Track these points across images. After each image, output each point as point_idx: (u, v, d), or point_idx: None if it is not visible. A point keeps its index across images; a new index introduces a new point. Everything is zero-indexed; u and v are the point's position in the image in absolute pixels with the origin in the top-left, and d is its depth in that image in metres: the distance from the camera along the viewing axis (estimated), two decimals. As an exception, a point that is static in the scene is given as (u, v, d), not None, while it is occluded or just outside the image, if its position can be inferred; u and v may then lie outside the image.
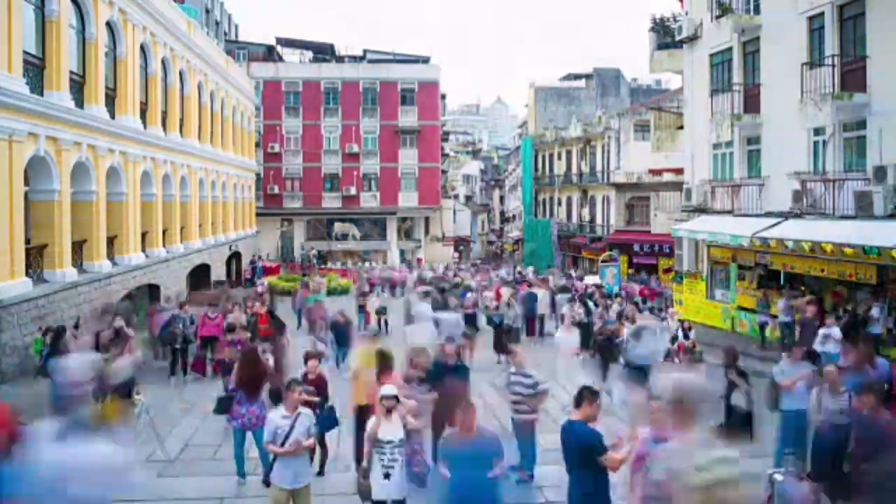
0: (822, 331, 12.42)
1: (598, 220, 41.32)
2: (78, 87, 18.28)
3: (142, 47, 22.55)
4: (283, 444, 6.68)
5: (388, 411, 6.63)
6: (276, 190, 47.90)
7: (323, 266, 44.53)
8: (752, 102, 19.95)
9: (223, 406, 9.25)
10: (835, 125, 16.38)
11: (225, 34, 55.07)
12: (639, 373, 9.74)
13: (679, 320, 16.11)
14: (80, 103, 18.17)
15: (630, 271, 34.55)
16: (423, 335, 12.51)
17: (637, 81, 60.12)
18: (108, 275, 19.28)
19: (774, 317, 17.79)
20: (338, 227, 50.80)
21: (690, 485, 3.70)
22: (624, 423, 7.07)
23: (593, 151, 42.27)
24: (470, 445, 5.96)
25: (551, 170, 48.83)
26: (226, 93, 34.28)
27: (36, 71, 16.24)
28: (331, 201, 48.90)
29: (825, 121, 16.50)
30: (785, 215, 17.39)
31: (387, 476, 6.46)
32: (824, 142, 16.90)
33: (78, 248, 18.31)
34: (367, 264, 44.67)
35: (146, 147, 22.62)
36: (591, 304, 19.58)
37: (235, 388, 9.01)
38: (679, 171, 26.83)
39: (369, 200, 49.28)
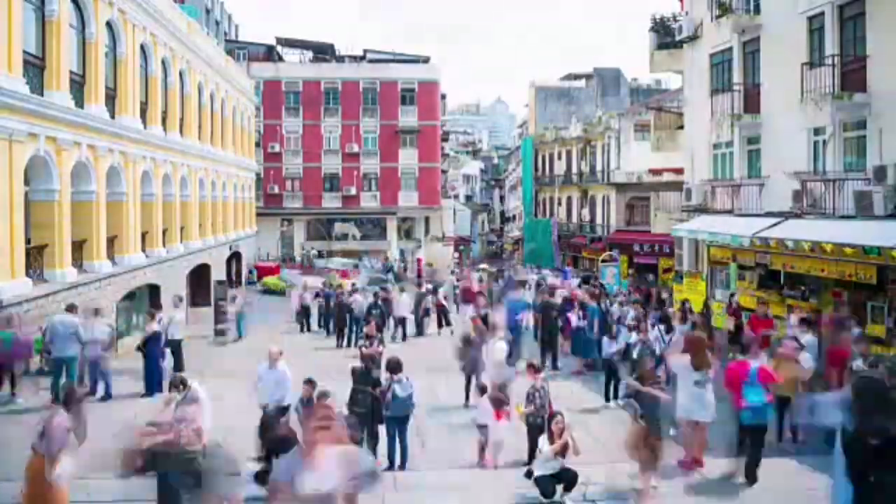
0: None
1: (598, 220, 41.33)
2: (78, 87, 18.25)
3: (142, 47, 22.53)
4: None
5: None
6: (276, 190, 47.91)
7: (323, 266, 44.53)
8: (752, 102, 19.95)
9: None
10: (835, 125, 16.39)
11: (225, 34, 55.07)
12: None
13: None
14: (80, 103, 18.14)
15: (630, 271, 34.57)
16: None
17: (637, 81, 60.09)
18: (108, 275, 19.27)
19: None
20: (338, 227, 50.79)
21: None
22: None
23: (593, 151, 42.28)
24: None
25: (551, 170, 48.84)
26: (226, 93, 34.27)
27: (36, 71, 16.22)
28: (331, 201, 48.90)
29: (825, 121, 16.51)
30: (785, 215, 17.38)
31: None
32: (824, 142, 16.90)
33: (78, 248, 18.28)
34: (364, 262, 44.43)
35: (146, 147, 22.60)
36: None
37: None
38: (679, 171, 26.84)
39: (369, 200, 49.29)
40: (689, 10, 23.35)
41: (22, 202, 15.33)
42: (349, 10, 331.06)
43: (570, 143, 45.38)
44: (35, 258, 16.23)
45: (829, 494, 5.36)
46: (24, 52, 15.34)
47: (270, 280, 36.15)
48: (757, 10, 19.79)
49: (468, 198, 76.30)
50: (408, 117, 49.30)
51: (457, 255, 57.17)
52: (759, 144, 19.89)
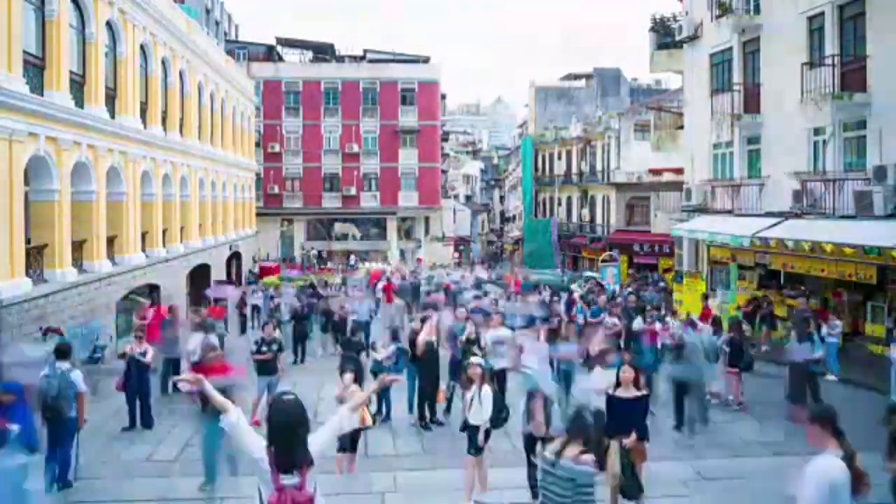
0: None
1: (598, 220, 41.31)
2: (78, 87, 18.26)
3: (142, 47, 22.54)
4: None
5: None
6: (276, 190, 47.90)
7: (323, 266, 44.56)
8: (752, 102, 19.96)
9: None
10: (835, 125, 16.39)
11: (225, 34, 55.02)
12: None
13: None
14: (80, 103, 18.15)
15: (630, 271, 34.57)
16: None
17: (637, 81, 60.06)
18: (108, 275, 19.27)
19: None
20: (338, 227, 50.80)
21: None
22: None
23: (593, 151, 42.27)
24: None
25: (551, 170, 48.83)
26: (226, 93, 34.27)
27: (36, 71, 16.23)
28: (331, 201, 48.90)
29: (825, 121, 16.52)
30: (785, 215, 17.39)
31: None
32: (824, 142, 16.91)
33: (78, 248, 18.29)
34: (365, 264, 44.34)
35: (146, 147, 22.61)
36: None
37: None
38: (679, 171, 26.84)
39: (369, 200, 49.29)
40: (689, 10, 23.35)
41: (22, 202, 15.34)
42: (349, 9, 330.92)
43: (570, 143, 45.37)
44: (35, 258, 16.24)
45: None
46: (24, 52, 15.35)
47: (270, 280, 36.09)
48: (757, 10, 19.80)
49: (468, 198, 76.23)
50: (408, 117, 49.29)
51: (457, 254, 57.16)
52: (759, 144, 19.89)
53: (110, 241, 20.24)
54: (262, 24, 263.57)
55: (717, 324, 14.24)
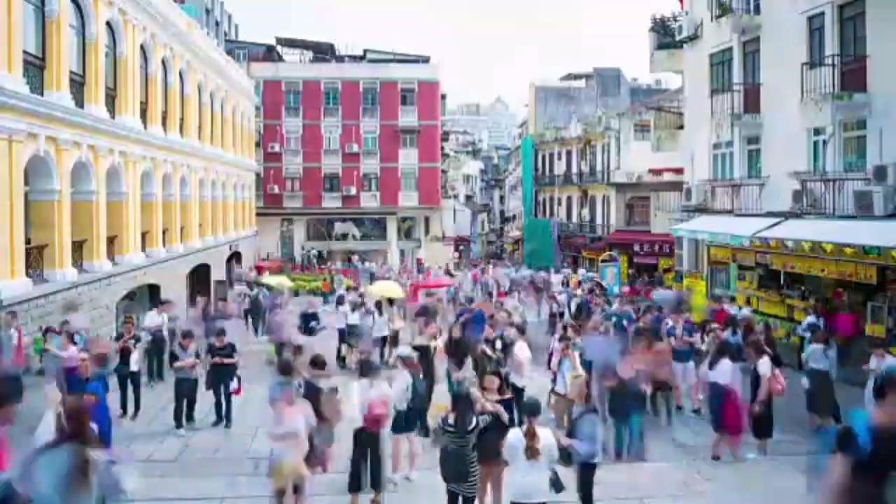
0: None
1: (598, 220, 41.29)
2: (78, 87, 18.26)
3: (142, 47, 22.53)
4: None
5: None
6: (276, 190, 47.88)
7: (323, 266, 44.55)
8: (752, 102, 19.96)
9: None
10: (835, 125, 16.39)
11: (225, 34, 55.03)
12: None
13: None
14: (80, 103, 18.15)
15: (630, 271, 34.54)
16: None
17: (637, 81, 60.05)
18: (108, 275, 19.28)
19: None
20: (338, 227, 50.79)
21: None
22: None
23: (593, 151, 42.25)
24: None
25: (551, 170, 48.82)
26: (226, 93, 34.26)
27: (36, 71, 16.23)
28: (331, 201, 48.88)
29: (825, 121, 16.52)
30: (785, 215, 17.39)
31: None
32: (824, 142, 16.91)
33: (78, 248, 18.30)
34: (365, 264, 44.27)
35: (146, 147, 22.61)
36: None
37: None
38: (679, 171, 26.84)
39: (369, 200, 49.28)
40: (689, 10, 23.36)
41: (22, 202, 15.34)
42: (349, 10, 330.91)
43: (570, 143, 45.36)
44: (35, 258, 16.24)
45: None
46: (24, 52, 15.35)
47: (271, 280, 36.08)
48: (757, 10, 19.80)
49: (468, 198, 76.20)
50: (408, 117, 49.28)
51: (457, 254, 57.15)
52: (759, 144, 19.89)
53: (110, 241, 20.24)
54: (262, 24, 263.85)
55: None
